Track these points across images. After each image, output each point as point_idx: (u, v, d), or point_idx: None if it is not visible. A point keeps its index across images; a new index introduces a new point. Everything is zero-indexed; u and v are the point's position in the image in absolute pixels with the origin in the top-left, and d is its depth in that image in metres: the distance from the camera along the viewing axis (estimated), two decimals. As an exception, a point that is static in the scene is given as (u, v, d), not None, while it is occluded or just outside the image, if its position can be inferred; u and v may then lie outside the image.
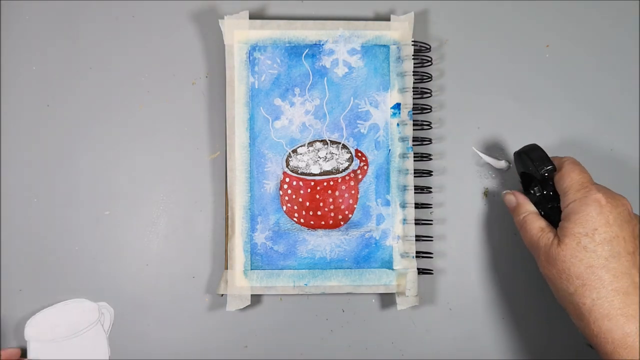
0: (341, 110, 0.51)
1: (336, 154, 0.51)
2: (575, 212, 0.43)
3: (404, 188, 0.51)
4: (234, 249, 0.50)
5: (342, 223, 0.51)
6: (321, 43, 0.51)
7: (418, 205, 0.51)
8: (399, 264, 0.50)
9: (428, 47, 0.52)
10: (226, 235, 0.50)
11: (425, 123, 0.52)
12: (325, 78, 0.51)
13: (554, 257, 0.43)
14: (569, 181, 0.44)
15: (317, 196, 0.51)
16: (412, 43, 0.51)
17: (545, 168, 0.46)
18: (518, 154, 0.49)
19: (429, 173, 0.51)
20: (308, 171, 0.51)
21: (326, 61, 0.51)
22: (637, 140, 0.53)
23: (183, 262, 0.51)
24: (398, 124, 0.51)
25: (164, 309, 0.51)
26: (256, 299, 0.51)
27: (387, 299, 0.52)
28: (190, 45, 0.52)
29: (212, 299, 0.51)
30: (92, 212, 0.51)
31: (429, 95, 0.52)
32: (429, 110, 0.52)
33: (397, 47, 0.51)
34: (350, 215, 0.51)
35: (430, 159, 0.52)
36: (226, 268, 0.50)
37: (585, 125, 0.53)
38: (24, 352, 0.50)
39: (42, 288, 0.51)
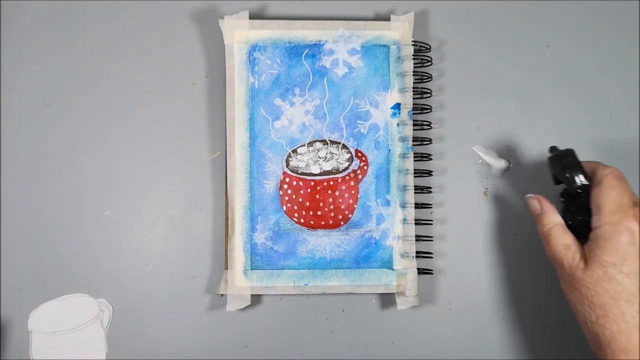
0: (341, 110, 0.51)
1: (336, 154, 0.51)
2: (606, 238, 0.40)
3: (404, 188, 0.51)
4: (234, 249, 0.50)
5: (342, 223, 0.51)
6: (321, 43, 0.51)
7: (418, 205, 0.51)
8: (399, 264, 0.50)
9: (428, 47, 0.52)
10: (226, 235, 0.50)
11: (425, 123, 0.52)
12: (325, 78, 0.51)
13: (578, 281, 0.41)
14: (606, 200, 0.41)
15: (317, 196, 0.51)
16: (412, 43, 0.51)
17: (580, 184, 0.43)
18: (552, 159, 0.46)
19: (429, 173, 0.51)
20: (308, 171, 0.51)
21: (326, 61, 0.51)
22: (637, 140, 0.53)
23: (183, 262, 0.51)
24: (398, 124, 0.51)
25: (164, 308, 0.51)
26: (256, 299, 0.51)
27: (387, 299, 0.52)
28: (190, 45, 0.52)
29: (212, 299, 0.51)
30: (92, 212, 0.51)
31: (429, 95, 0.52)
32: (429, 110, 0.52)
33: (397, 47, 0.51)
34: (350, 215, 0.51)
35: (430, 159, 0.52)
36: (226, 268, 0.50)
37: (585, 125, 0.53)
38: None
39: (42, 288, 0.51)
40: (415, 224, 0.51)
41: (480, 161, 0.53)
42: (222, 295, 0.51)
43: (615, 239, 0.40)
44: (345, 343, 0.51)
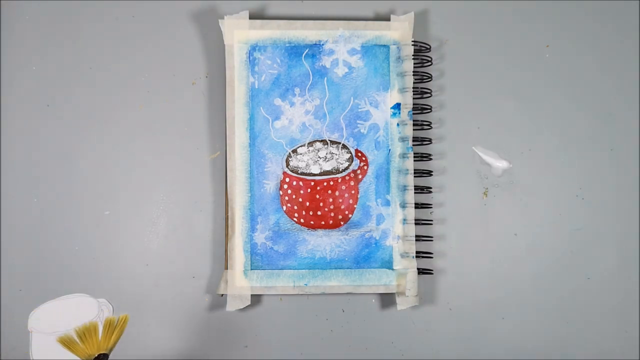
0: (341, 110, 0.51)
1: (336, 154, 0.51)
2: None
3: (404, 188, 0.51)
4: (234, 249, 0.50)
5: (342, 223, 0.51)
6: (321, 43, 0.51)
7: (418, 205, 0.51)
8: (399, 264, 0.50)
9: (428, 47, 0.52)
10: (226, 235, 0.50)
11: (425, 123, 0.52)
12: (325, 78, 0.51)
13: None
14: None
15: (317, 196, 0.51)
16: (412, 43, 0.51)
17: None
18: None
19: (429, 173, 0.51)
20: (308, 171, 0.51)
21: (326, 61, 0.51)
22: (637, 140, 0.53)
23: (183, 262, 0.51)
24: (398, 124, 0.51)
25: (164, 308, 0.51)
26: (256, 299, 0.51)
27: (387, 299, 0.52)
28: (190, 45, 0.53)
29: (212, 299, 0.51)
30: (92, 212, 0.51)
31: (429, 95, 0.52)
32: (429, 110, 0.52)
33: (397, 47, 0.51)
34: (350, 215, 0.51)
35: (430, 159, 0.52)
36: (226, 268, 0.50)
37: (585, 125, 0.53)
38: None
39: (42, 288, 0.51)
40: (415, 224, 0.51)
41: (480, 161, 0.53)
42: (222, 295, 0.51)
43: None
44: (345, 343, 0.51)
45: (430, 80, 0.52)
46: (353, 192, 0.51)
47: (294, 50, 0.51)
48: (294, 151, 0.51)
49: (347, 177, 0.51)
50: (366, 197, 0.51)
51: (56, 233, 0.51)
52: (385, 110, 0.51)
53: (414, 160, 0.51)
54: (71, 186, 0.51)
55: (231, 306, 0.49)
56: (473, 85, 0.53)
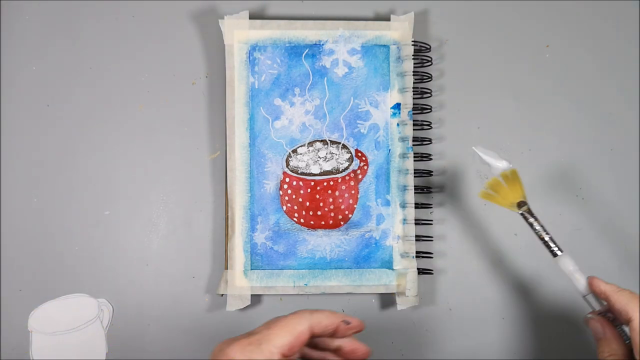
0: (341, 110, 0.51)
1: (336, 154, 0.51)
2: None
3: (404, 188, 0.51)
4: (234, 249, 0.50)
5: (342, 223, 0.51)
6: (321, 43, 0.51)
7: (418, 205, 0.51)
8: (399, 264, 0.50)
9: (428, 47, 0.52)
10: (226, 235, 0.50)
11: (425, 123, 0.52)
12: (325, 78, 0.51)
13: None
14: None
15: (317, 196, 0.51)
16: (412, 43, 0.51)
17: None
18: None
19: (429, 173, 0.51)
20: (308, 171, 0.51)
21: (326, 61, 0.51)
22: (637, 140, 0.53)
23: (183, 262, 0.51)
24: (398, 124, 0.51)
25: (164, 308, 0.51)
26: (256, 299, 0.51)
27: (387, 299, 0.52)
28: (190, 45, 0.52)
29: (212, 299, 0.51)
30: (92, 212, 0.51)
31: (429, 95, 0.52)
32: (429, 110, 0.52)
33: (397, 47, 0.51)
34: (350, 215, 0.51)
35: (430, 159, 0.52)
36: (226, 268, 0.50)
37: (585, 125, 0.53)
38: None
39: (42, 288, 0.51)
40: (415, 224, 0.51)
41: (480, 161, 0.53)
42: (222, 295, 0.51)
43: None
44: (345, 343, 0.51)
45: (430, 80, 0.52)
46: (353, 192, 0.51)
47: (294, 50, 0.51)
48: (294, 151, 0.51)
49: (347, 177, 0.51)
50: (366, 197, 0.51)
51: (56, 233, 0.51)
52: (385, 110, 0.51)
53: (414, 160, 0.51)
54: (71, 186, 0.51)
55: (231, 306, 0.49)
56: (473, 85, 0.53)
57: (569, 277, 0.42)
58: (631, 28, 0.54)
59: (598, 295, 0.41)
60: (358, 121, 0.51)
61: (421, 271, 0.51)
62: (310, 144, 0.51)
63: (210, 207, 0.52)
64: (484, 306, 0.52)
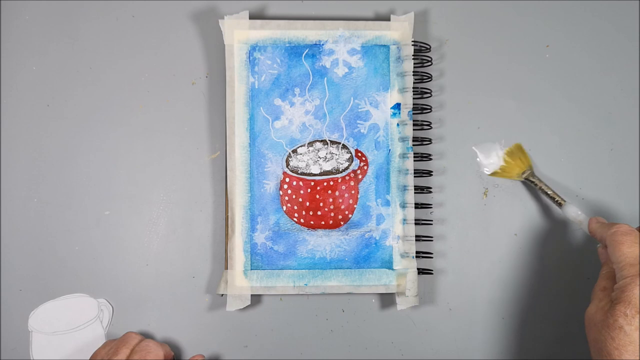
0: (341, 110, 0.51)
1: (336, 154, 0.51)
2: (622, 290, 0.40)
3: (404, 188, 0.51)
4: (234, 249, 0.50)
5: (342, 223, 0.51)
6: (321, 43, 0.51)
7: (418, 205, 0.51)
8: (399, 264, 0.50)
9: (428, 47, 0.52)
10: (226, 235, 0.50)
11: (425, 123, 0.52)
12: (325, 78, 0.51)
13: (593, 323, 0.41)
14: (618, 257, 0.42)
15: (317, 196, 0.51)
16: (412, 43, 0.51)
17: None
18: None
19: (429, 173, 0.51)
20: (308, 171, 0.51)
21: (326, 61, 0.51)
22: (637, 140, 0.53)
23: (183, 262, 0.51)
24: (398, 124, 0.51)
25: (164, 308, 0.51)
26: (256, 299, 0.51)
27: (387, 299, 0.52)
28: (190, 45, 0.53)
29: (212, 299, 0.51)
30: (92, 212, 0.51)
31: (429, 95, 0.52)
32: (429, 110, 0.52)
33: (397, 47, 0.51)
34: (350, 215, 0.51)
35: (430, 159, 0.52)
36: (226, 268, 0.50)
37: (585, 125, 0.53)
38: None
39: (42, 288, 0.51)
40: (415, 224, 0.51)
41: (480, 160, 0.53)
42: (222, 295, 0.51)
43: (629, 291, 0.40)
44: (345, 343, 0.51)
45: (430, 80, 0.52)
46: (353, 192, 0.51)
47: (294, 50, 0.51)
48: (294, 151, 0.51)
49: (347, 177, 0.51)
50: (366, 197, 0.51)
51: (56, 233, 0.51)
52: (385, 110, 0.51)
53: (414, 160, 0.51)
54: (71, 186, 0.51)
55: (231, 306, 0.49)
56: (473, 85, 0.53)
57: (575, 221, 0.49)
58: (631, 28, 0.54)
59: (590, 233, 0.47)
60: (358, 121, 0.51)
61: (421, 271, 0.51)
62: (310, 144, 0.51)
63: (210, 207, 0.52)
64: (484, 306, 0.52)
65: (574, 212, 0.49)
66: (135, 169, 0.52)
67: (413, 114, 0.51)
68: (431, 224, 0.52)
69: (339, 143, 0.51)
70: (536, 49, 0.53)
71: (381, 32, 0.51)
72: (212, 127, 0.52)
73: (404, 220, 0.50)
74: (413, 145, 0.51)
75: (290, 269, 0.50)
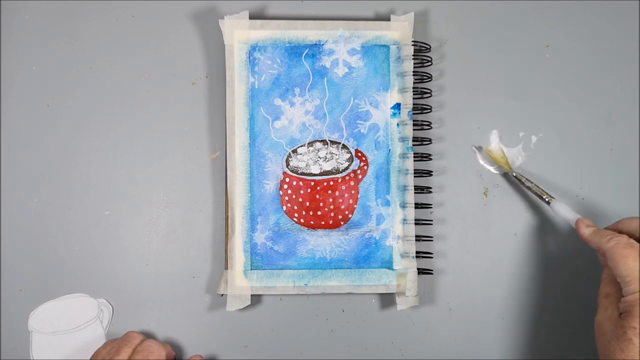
0: (341, 110, 0.51)
1: (336, 154, 0.51)
2: (631, 304, 0.41)
3: (404, 188, 0.51)
4: (234, 249, 0.50)
5: (342, 223, 0.51)
6: (321, 43, 0.51)
7: (418, 205, 0.51)
8: (399, 264, 0.50)
9: (428, 47, 0.52)
10: (226, 235, 0.50)
11: (425, 123, 0.52)
12: (325, 78, 0.51)
13: (602, 332, 0.42)
14: (623, 271, 0.42)
15: (317, 196, 0.51)
16: (412, 43, 0.51)
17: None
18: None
19: (429, 173, 0.51)
20: (308, 171, 0.51)
21: (326, 61, 0.51)
22: (637, 140, 0.53)
23: (183, 262, 0.51)
24: (398, 124, 0.51)
25: (164, 308, 0.51)
26: (256, 299, 0.51)
27: (387, 299, 0.52)
28: (190, 45, 0.52)
29: (212, 299, 0.51)
30: (92, 212, 0.51)
31: (429, 95, 0.52)
32: (429, 110, 0.52)
33: (397, 47, 0.51)
34: (350, 215, 0.51)
35: (430, 159, 0.52)
36: (226, 268, 0.50)
37: (585, 125, 0.53)
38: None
39: (42, 288, 0.51)
40: (415, 224, 0.51)
41: (481, 161, 0.53)
42: (222, 295, 0.51)
43: (638, 305, 0.40)
44: (345, 343, 0.51)
45: (430, 80, 0.52)
46: (353, 192, 0.51)
47: (294, 50, 0.51)
48: (294, 151, 0.51)
49: (347, 177, 0.51)
50: (366, 197, 0.51)
51: (56, 233, 0.51)
52: (385, 110, 0.51)
53: (414, 160, 0.51)
54: (71, 186, 0.51)
55: (231, 306, 0.49)
56: (473, 85, 0.53)
57: (563, 218, 0.48)
58: (631, 28, 0.54)
59: (582, 239, 0.46)
60: (358, 121, 0.51)
61: (421, 271, 0.51)
62: (310, 144, 0.51)
63: (210, 207, 0.52)
64: (484, 306, 0.52)
65: (563, 209, 0.48)
66: (135, 169, 0.52)
67: (413, 114, 0.51)
68: (431, 224, 0.52)
69: (339, 143, 0.51)
70: (536, 49, 0.53)
71: (381, 32, 0.51)
72: (212, 127, 0.52)
73: (404, 220, 0.50)
74: (413, 145, 0.51)
75: (290, 269, 0.50)
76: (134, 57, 0.52)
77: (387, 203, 0.51)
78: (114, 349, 0.46)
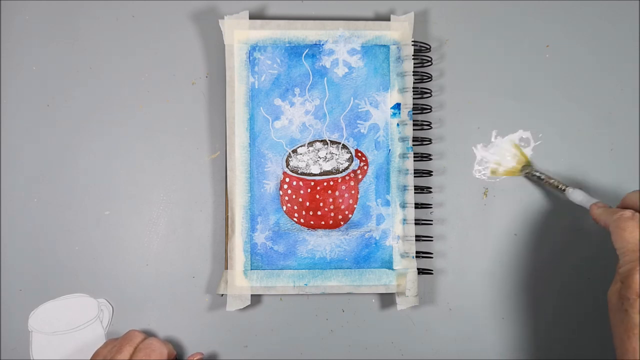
0: (341, 110, 0.51)
1: (336, 154, 0.51)
2: (625, 276, 0.41)
3: (404, 188, 0.51)
4: (234, 249, 0.50)
5: (342, 223, 0.51)
6: (321, 43, 0.51)
7: (418, 205, 0.51)
8: (399, 264, 0.50)
9: (428, 47, 0.52)
10: (226, 235, 0.50)
11: (425, 123, 0.52)
12: (325, 78, 0.51)
13: (610, 306, 0.42)
14: (619, 243, 0.42)
15: (317, 196, 0.51)
16: (412, 43, 0.51)
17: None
18: None
19: (429, 173, 0.51)
20: (308, 171, 0.51)
21: (326, 61, 0.51)
22: (637, 140, 0.53)
23: (183, 262, 0.51)
24: (398, 124, 0.51)
25: (164, 308, 0.51)
26: (256, 299, 0.51)
27: (387, 299, 0.52)
28: (190, 45, 0.53)
29: (212, 299, 0.51)
30: (92, 212, 0.51)
31: (429, 95, 0.52)
32: (429, 110, 0.52)
33: (397, 47, 0.51)
34: (350, 215, 0.51)
35: (430, 159, 0.52)
36: (226, 268, 0.50)
37: (585, 125, 0.53)
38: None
39: (42, 288, 0.51)
40: (415, 224, 0.51)
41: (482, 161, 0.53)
42: (222, 295, 0.51)
43: (631, 276, 0.41)
44: (345, 343, 0.51)
45: (430, 80, 0.52)
46: (353, 192, 0.51)
47: (294, 50, 0.51)
48: (294, 151, 0.51)
49: (347, 177, 0.51)
50: (366, 197, 0.51)
51: (56, 233, 0.51)
52: (385, 110, 0.51)
53: (414, 160, 0.51)
54: (71, 186, 0.51)
55: (231, 306, 0.49)
56: (473, 85, 0.53)
57: (580, 204, 0.49)
58: (631, 28, 0.54)
59: (594, 219, 0.47)
60: (358, 121, 0.51)
61: (421, 271, 0.51)
62: (310, 144, 0.51)
63: (210, 207, 0.52)
64: (484, 306, 0.52)
65: (579, 196, 0.49)
66: (135, 169, 0.52)
67: (413, 114, 0.51)
68: (431, 224, 0.52)
69: (339, 143, 0.51)
70: (536, 49, 0.53)
71: (381, 32, 0.51)
72: (212, 127, 0.52)
73: (404, 220, 0.50)
74: (413, 145, 0.51)
75: (290, 269, 0.50)
76: (134, 57, 0.52)
77: (387, 203, 0.51)
78: (116, 347, 0.46)
